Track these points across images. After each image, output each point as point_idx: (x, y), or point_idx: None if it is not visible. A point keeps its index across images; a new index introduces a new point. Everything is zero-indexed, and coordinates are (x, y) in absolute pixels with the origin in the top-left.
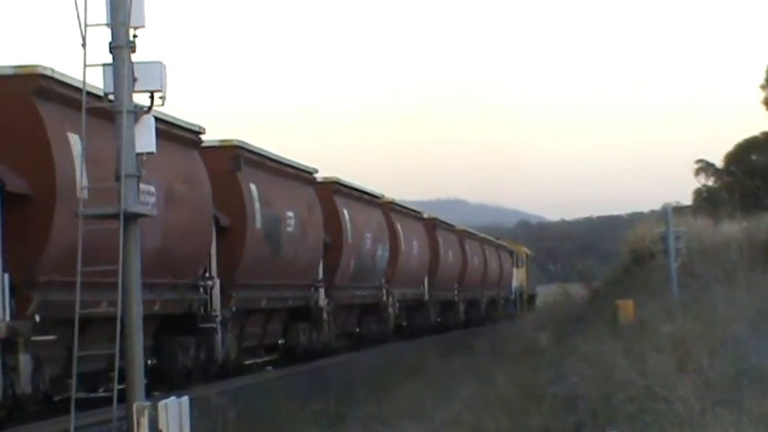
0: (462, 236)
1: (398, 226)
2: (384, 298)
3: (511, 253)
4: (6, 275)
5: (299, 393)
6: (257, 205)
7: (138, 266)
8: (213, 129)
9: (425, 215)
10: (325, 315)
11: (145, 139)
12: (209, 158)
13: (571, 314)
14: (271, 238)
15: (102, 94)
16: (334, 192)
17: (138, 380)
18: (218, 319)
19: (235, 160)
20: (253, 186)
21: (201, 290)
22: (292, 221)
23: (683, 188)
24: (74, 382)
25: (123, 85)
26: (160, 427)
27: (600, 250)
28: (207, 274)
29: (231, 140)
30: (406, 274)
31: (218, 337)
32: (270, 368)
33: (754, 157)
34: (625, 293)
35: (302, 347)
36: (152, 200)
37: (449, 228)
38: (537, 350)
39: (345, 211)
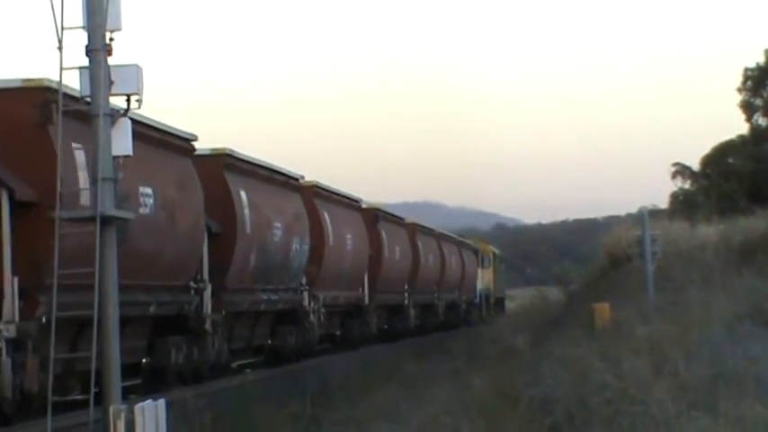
0: (413, 230)
1: (325, 215)
2: (304, 303)
3: (475, 252)
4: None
5: (276, 396)
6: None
7: (115, 269)
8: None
9: (364, 204)
10: (208, 325)
11: (121, 142)
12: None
13: (548, 317)
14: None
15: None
16: (224, 166)
17: (115, 382)
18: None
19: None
20: (243, 193)
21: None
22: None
23: (659, 191)
24: (50, 385)
25: (100, 89)
26: (137, 430)
27: (576, 253)
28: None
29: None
30: (337, 274)
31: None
32: (248, 370)
33: (730, 160)
34: (601, 296)
35: (289, 349)
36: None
37: (396, 220)
38: (513, 353)
39: (242, 193)
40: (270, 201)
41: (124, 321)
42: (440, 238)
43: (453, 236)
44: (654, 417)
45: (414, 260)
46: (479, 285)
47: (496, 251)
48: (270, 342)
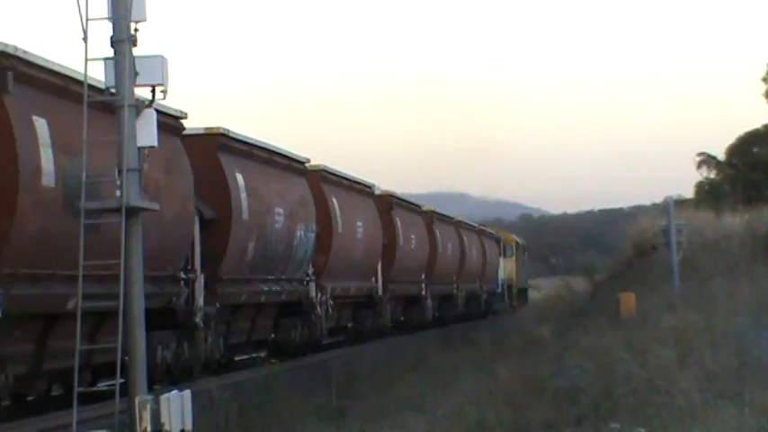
0: (431, 218)
1: (333, 201)
2: (311, 294)
3: (497, 240)
4: None
5: (301, 386)
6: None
7: (141, 261)
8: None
9: (377, 191)
10: (199, 319)
11: (146, 133)
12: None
13: (573, 307)
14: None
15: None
16: (218, 147)
17: (141, 374)
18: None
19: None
20: (239, 176)
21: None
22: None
23: (685, 181)
24: (75, 376)
25: (125, 80)
26: (162, 420)
27: (602, 244)
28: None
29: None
30: (347, 264)
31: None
32: (274, 361)
33: (755, 149)
34: (627, 286)
35: (294, 343)
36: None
37: (412, 208)
38: (539, 343)
39: (239, 176)
40: (271, 185)
41: (103, 316)
42: (459, 226)
43: (473, 224)
44: (679, 406)
45: (431, 249)
46: (501, 275)
47: (519, 240)
48: (273, 336)
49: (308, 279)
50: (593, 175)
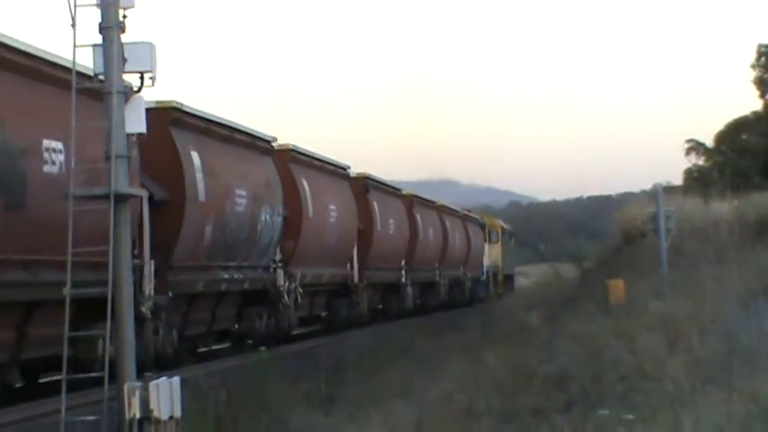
0: (411, 202)
1: (303, 183)
2: (278, 281)
3: (482, 226)
4: None
5: (290, 374)
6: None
7: (129, 248)
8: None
9: (353, 173)
10: (147, 309)
11: (135, 120)
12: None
13: (562, 294)
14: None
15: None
16: (172, 122)
17: (129, 361)
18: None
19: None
20: (195, 154)
21: None
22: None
23: (673, 168)
24: (64, 363)
25: (113, 66)
26: (151, 407)
27: (590, 230)
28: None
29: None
30: (319, 249)
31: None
32: (263, 348)
33: (744, 136)
34: (615, 273)
35: (260, 333)
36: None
37: (391, 191)
38: (527, 330)
39: (194, 154)
40: (231, 165)
41: (31, 307)
42: (442, 211)
43: (457, 209)
44: (668, 393)
45: (411, 234)
46: (486, 262)
47: (505, 226)
48: (237, 326)
49: (274, 266)
50: (581, 163)
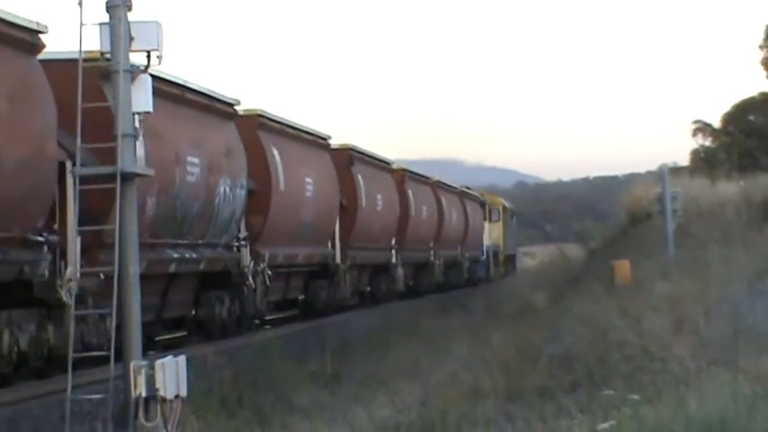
0: (402, 176)
1: (274, 152)
2: (243, 262)
3: (482, 204)
4: None
5: (296, 353)
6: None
7: (135, 226)
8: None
9: (333, 144)
10: (65, 294)
11: (141, 99)
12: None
13: (567, 274)
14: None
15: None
16: (102, 77)
17: (136, 339)
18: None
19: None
20: None
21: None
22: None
23: (680, 149)
24: (71, 341)
25: (120, 45)
26: (157, 386)
27: (596, 211)
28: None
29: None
30: (293, 227)
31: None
32: (268, 327)
33: (751, 117)
34: (621, 254)
35: (220, 320)
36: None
37: (379, 164)
38: (533, 310)
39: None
40: (182, 129)
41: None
42: (437, 187)
43: (454, 186)
44: (673, 373)
45: (402, 212)
46: (486, 241)
47: (507, 204)
48: (194, 312)
49: (238, 244)
50: (588, 143)
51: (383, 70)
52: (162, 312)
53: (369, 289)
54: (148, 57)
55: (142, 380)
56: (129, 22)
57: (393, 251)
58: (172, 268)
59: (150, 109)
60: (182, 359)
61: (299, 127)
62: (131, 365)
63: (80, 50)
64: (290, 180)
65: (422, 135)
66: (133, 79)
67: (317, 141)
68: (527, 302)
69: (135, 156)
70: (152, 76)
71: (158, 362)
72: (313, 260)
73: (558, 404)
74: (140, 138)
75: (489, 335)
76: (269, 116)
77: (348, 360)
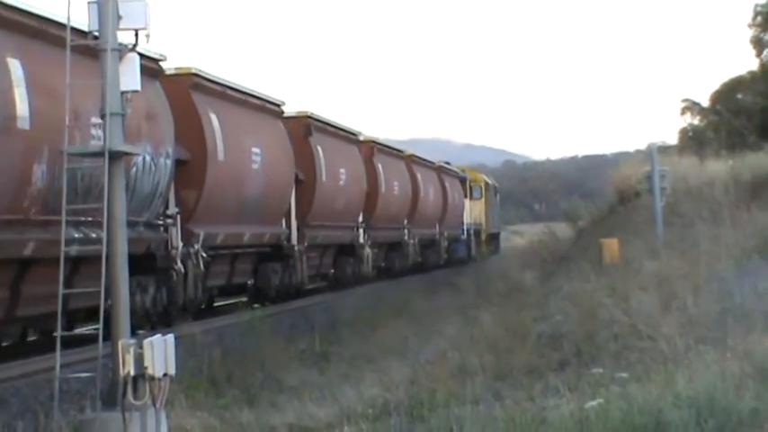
0: (370, 149)
1: (211, 117)
2: (172, 243)
3: (462, 181)
4: None
5: (284, 332)
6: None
7: (123, 205)
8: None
9: (286, 111)
10: None
11: (129, 78)
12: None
13: (556, 253)
14: None
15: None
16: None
17: (124, 318)
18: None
19: None
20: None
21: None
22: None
23: (668, 128)
24: (59, 320)
25: (108, 23)
26: (146, 364)
27: (585, 190)
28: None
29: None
30: (236, 203)
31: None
32: (257, 306)
33: (740, 96)
34: (610, 233)
35: (143, 310)
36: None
37: (344, 135)
38: (522, 289)
39: (12, 63)
40: (82, 83)
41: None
42: (411, 161)
43: (431, 161)
44: (662, 352)
45: (371, 187)
46: (467, 219)
47: (489, 180)
48: (109, 302)
49: (164, 223)
50: (576, 122)
51: (372, 51)
52: (68, 303)
53: (332, 272)
54: (136, 35)
55: (130, 358)
56: (116, 1)
57: (360, 230)
58: (73, 251)
59: (138, 88)
60: (170, 338)
61: (244, 90)
62: (120, 344)
63: (68, 28)
64: (233, 149)
65: (411, 115)
66: (121, 58)
67: (267, 107)
68: (516, 281)
69: (122, 134)
70: (21, 10)
71: (146, 340)
72: (262, 240)
73: (547, 382)
74: (21, 88)
75: (478, 314)
76: (205, 75)
77: (336, 339)
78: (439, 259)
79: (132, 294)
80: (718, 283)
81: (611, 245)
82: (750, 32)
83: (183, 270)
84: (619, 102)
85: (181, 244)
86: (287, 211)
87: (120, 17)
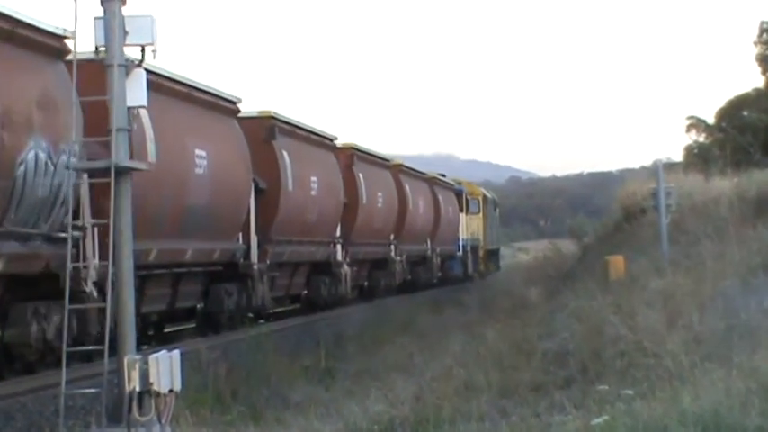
0: (350, 157)
1: (144, 118)
2: (87, 262)
3: (458, 194)
4: None
5: (290, 348)
6: None
7: (129, 221)
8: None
9: (247, 111)
10: None
11: (136, 93)
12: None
13: (561, 270)
14: None
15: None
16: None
17: (130, 333)
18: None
19: None
20: None
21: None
22: None
23: (674, 145)
24: (65, 335)
25: (114, 39)
26: (151, 380)
27: (591, 206)
28: None
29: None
30: (175, 214)
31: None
32: (262, 322)
33: (745, 113)
34: (616, 249)
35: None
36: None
37: (318, 141)
38: (527, 306)
39: None
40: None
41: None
42: (398, 171)
43: (422, 171)
44: (667, 369)
45: (350, 199)
46: (463, 235)
47: (488, 194)
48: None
49: (72, 236)
50: (582, 139)
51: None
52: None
53: (305, 293)
54: (143, 51)
55: (136, 374)
56: (123, 16)
57: (338, 246)
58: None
59: (144, 103)
60: (176, 353)
61: (188, 82)
62: (125, 360)
63: (74, 43)
64: (168, 151)
65: (416, 131)
66: (128, 73)
67: (217, 104)
68: (521, 298)
69: (128, 149)
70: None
71: (152, 356)
72: (211, 258)
73: (552, 399)
74: None
75: (484, 331)
76: (153, 70)
77: (342, 355)
78: (432, 277)
79: (27, 325)
80: (723, 300)
81: (617, 262)
82: (756, 50)
83: (95, 295)
84: (624, 119)
85: (97, 262)
86: (244, 224)
87: (126, 33)
